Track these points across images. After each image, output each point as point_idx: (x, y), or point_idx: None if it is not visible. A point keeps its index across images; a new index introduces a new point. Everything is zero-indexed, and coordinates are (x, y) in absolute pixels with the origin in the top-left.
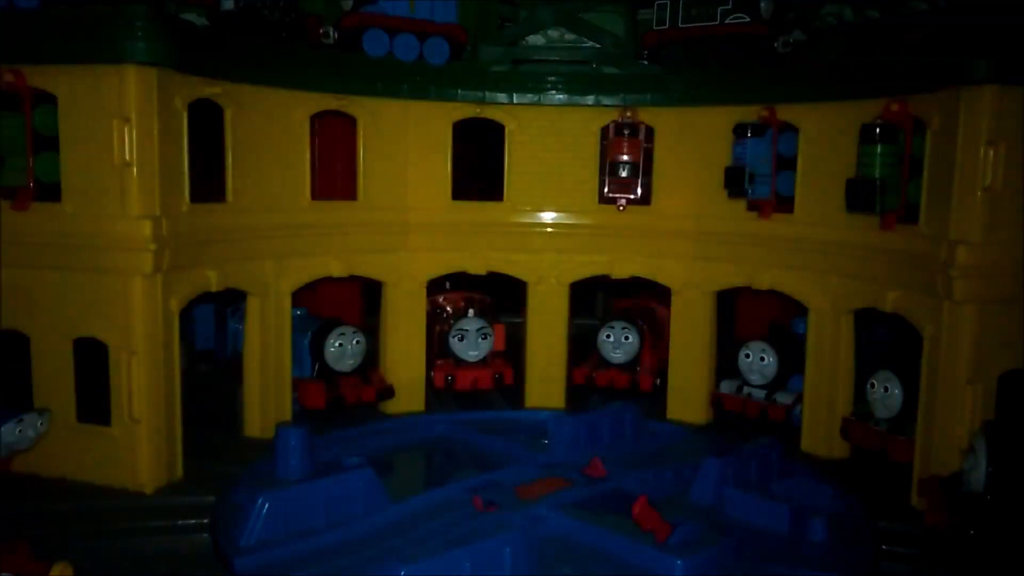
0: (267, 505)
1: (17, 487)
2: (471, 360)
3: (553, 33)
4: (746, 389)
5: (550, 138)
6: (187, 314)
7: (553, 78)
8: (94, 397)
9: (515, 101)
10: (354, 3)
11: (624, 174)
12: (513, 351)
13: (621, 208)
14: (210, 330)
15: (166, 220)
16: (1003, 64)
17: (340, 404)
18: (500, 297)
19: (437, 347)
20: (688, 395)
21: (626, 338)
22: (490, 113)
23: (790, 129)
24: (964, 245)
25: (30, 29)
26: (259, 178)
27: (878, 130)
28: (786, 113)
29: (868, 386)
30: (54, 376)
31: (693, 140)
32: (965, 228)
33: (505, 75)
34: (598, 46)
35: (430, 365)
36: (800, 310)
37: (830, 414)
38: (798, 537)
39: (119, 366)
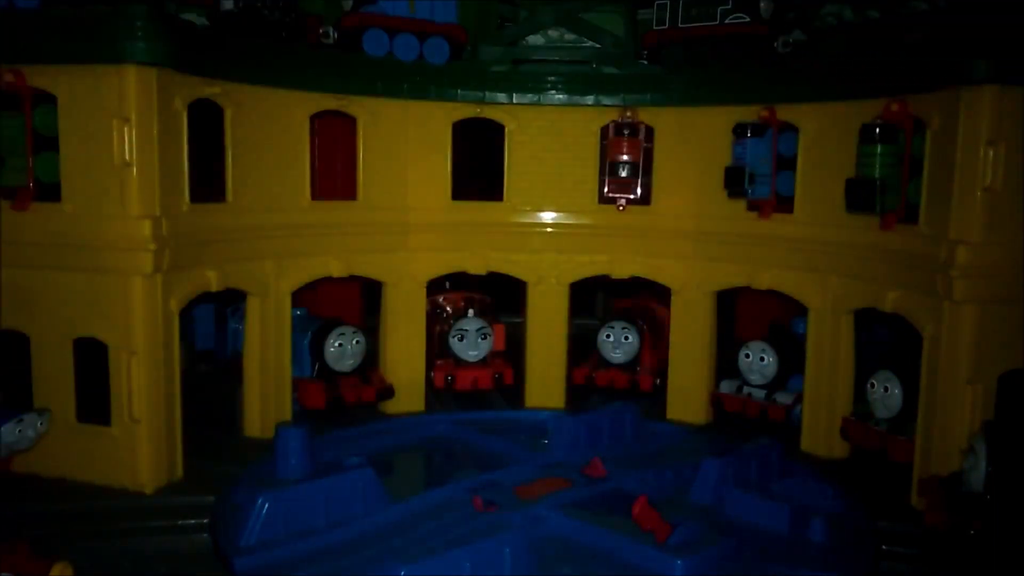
0: (267, 505)
1: (17, 487)
2: (471, 360)
3: (553, 33)
4: (746, 389)
5: (550, 138)
6: (187, 314)
7: (553, 78)
8: (94, 397)
9: (515, 101)
10: (354, 3)
11: (624, 174)
12: (513, 351)
13: (621, 208)
14: (210, 330)
15: (166, 220)
16: (1003, 64)
17: (340, 404)
18: (500, 297)
19: (437, 347)
20: (688, 395)
21: (626, 338)
22: (490, 113)
23: (790, 129)
24: (964, 245)
25: (30, 29)
26: (259, 178)
27: (878, 130)
28: (786, 113)
29: (868, 386)
30: (54, 376)
31: (693, 140)
32: (965, 228)
33: (505, 75)
34: (598, 46)
35: (430, 365)
36: (800, 310)
37: (830, 414)
38: (798, 537)
39: (119, 366)
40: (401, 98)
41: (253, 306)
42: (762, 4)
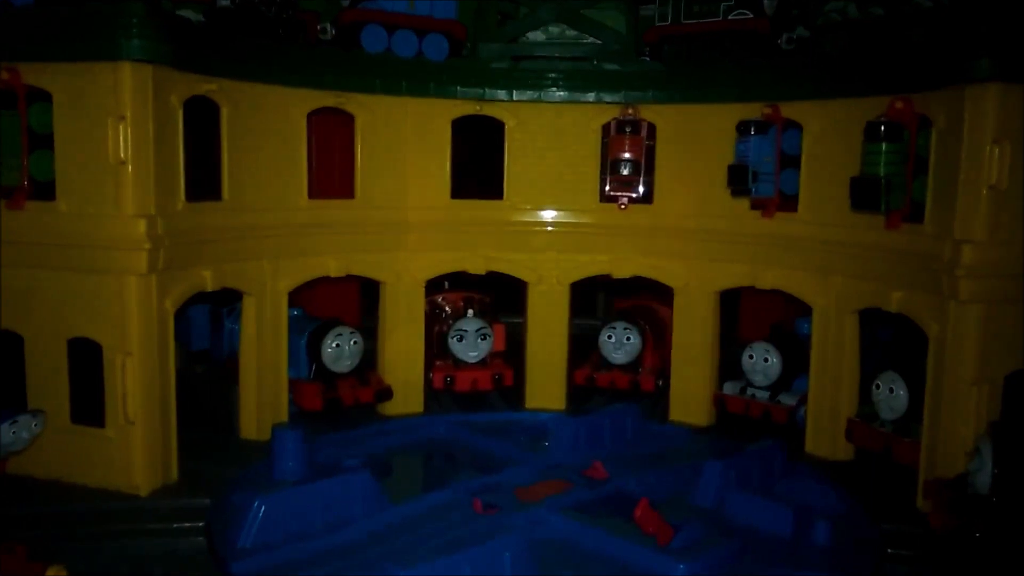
0: (263, 508)
1: (11, 489)
2: (470, 361)
3: (553, 29)
4: (749, 390)
5: (550, 136)
6: (182, 314)
7: (553, 75)
8: (88, 398)
9: (515, 98)
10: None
11: (626, 172)
12: (513, 352)
13: (622, 207)
14: (206, 330)
15: (161, 219)
16: (1008, 62)
17: (337, 405)
18: (500, 297)
19: (436, 348)
20: (691, 396)
21: (628, 339)
22: (490, 110)
23: (794, 127)
24: (969, 244)
25: (25, 26)
26: (255, 176)
27: (883, 128)
28: (790, 111)
29: (873, 387)
30: (48, 377)
31: (696, 138)
32: (970, 227)
33: (505, 72)
34: (599, 42)
35: (429, 366)
36: (804, 310)
37: (834, 415)
38: (802, 540)
39: (114, 367)
40: (400, 95)
41: (249, 306)
42: (765, 0)
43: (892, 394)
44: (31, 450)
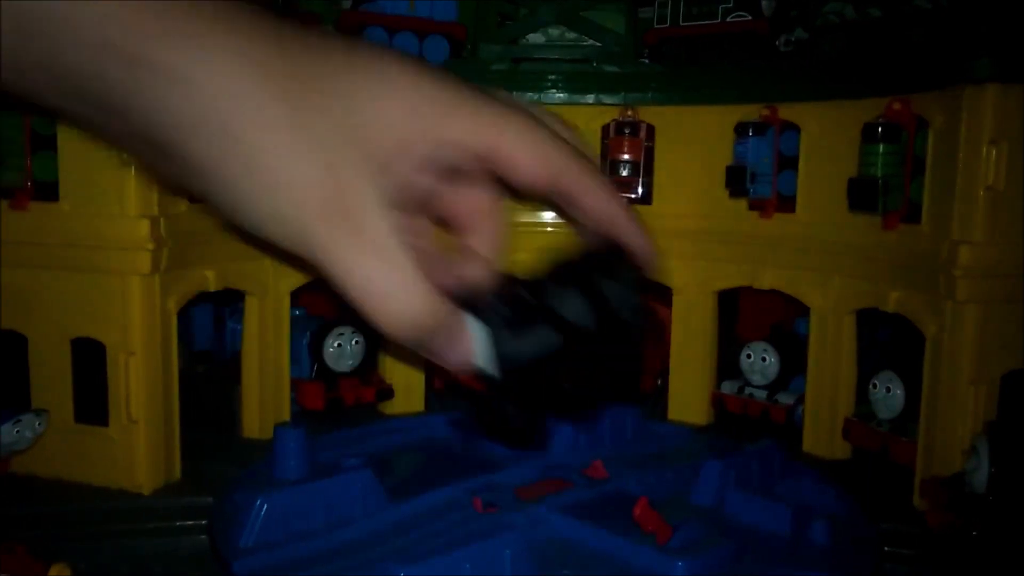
0: (265, 506)
1: (14, 488)
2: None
3: (553, 31)
4: (748, 390)
5: None
6: (185, 314)
7: (553, 76)
8: (92, 398)
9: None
10: (353, 1)
11: (625, 173)
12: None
13: None
14: (208, 330)
15: (164, 220)
16: (1006, 62)
17: (339, 405)
18: None
19: None
20: (689, 396)
21: None
22: None
23: (792, 128)
24: (967, 245)
25: None
26: None
27: (880, 129)
28: (788, 112)
29: (870, 387)
30: (52, 377)
31: (694, 139)
32: (968, 228)
33: (505, 73)
34: (599, 44)
35: (430, 366)
36: (802, 310)
37: (832, 415)
38: (800, 539)
39: (117, 366)
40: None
41: (251, 306)
42: (764, 2)
43: (889, 394)
44: (34, 449)
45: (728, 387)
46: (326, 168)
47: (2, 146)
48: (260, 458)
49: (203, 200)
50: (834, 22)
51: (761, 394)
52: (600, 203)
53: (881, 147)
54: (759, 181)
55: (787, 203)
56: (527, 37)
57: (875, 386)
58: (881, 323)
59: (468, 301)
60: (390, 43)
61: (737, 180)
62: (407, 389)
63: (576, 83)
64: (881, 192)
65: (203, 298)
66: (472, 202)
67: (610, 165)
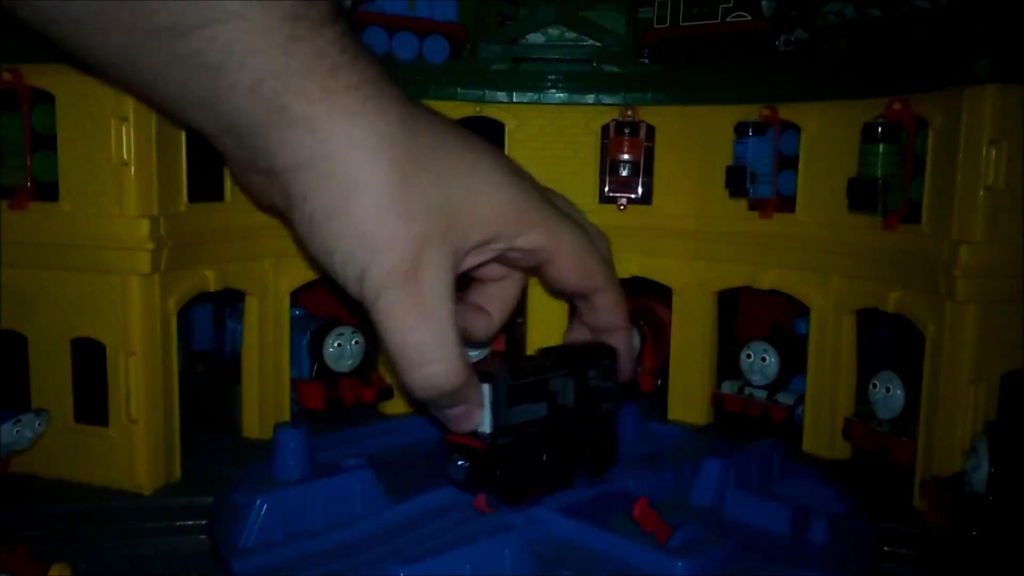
0: (265, 506)
1: (15, 488)
2: (471, 360)
3: (553, 31)
4: (747, 390)
5: (550, 137)
6: (185, 314)
7: (553, 77)
8: (92, 398)
9: (515, 100)
10: (353, 1)
11: (625, 173)
12: (513, 352)
13: (622, 208)
14: (208, 330)
15: (164, 220)
16: (1006, 62)
17: (339, 405)
18: None
19: None
20: (689, 396)
21: None
22: (490, 112)
23: (792, 128)
24: (966, 245)
25: (27, 27)
26: None
27: (880, 129)
28: (788, 112)
29: (870, 386)
30: (52, 377)
31: (694, 139)
32: (967, 228)
33: (505, 74)
34: (598, 44)
35: None
36: (802, 310)
37: (832, 415)
38: (800, 538)
39: (117, 366)
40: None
41: (251, 306)
42: (763, 2)
43: (889, 393)
44: (35, 449)
45: (728, 387)
46: (417, 239)
47: (2, 146)
48: (260, 458)
49: (281, 217)
50: (834, 22)
51: (761, 394)
52: (610, 312)
53: (881, 147)
54: (759, 181)
55: (787, 203)
56: (527, 37)
57: (875, 386)
58: (881, 323)
59: (484, 370)
60: (390, 43)
61: (737, 180)
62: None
63: (576, 83)
64: (881, 192)
65: (203, 298)
66: (498, 271)
67: (610, 165)
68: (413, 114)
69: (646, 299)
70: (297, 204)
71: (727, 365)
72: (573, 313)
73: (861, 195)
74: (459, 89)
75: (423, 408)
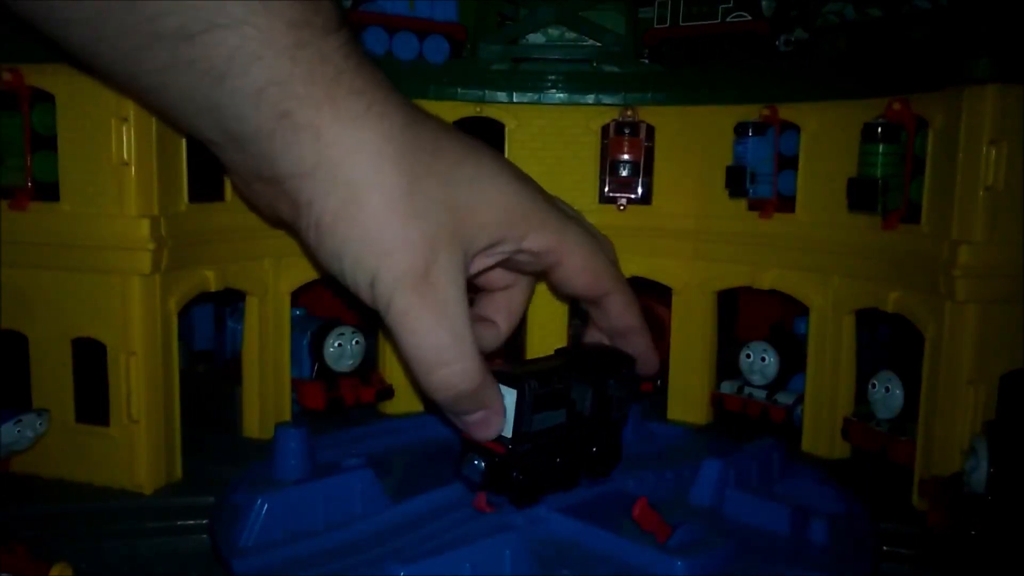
0: (266, 506)
1: (15, 488)
2: None
3: (553, 31)
4: (747, 389)
5: (550, 137)
6: (185, 314)
7: (553, 77)
8: (93, 397)
9: (515, 100)
10: (353, 1)
11: (625, 173)
12: (513, 351)
13: (621, 208)
14: (209, 330)
15: (164, 220)
16: (1006, 62)
17: (339, 405)
18: None
19: None
20: (689, 396)
21: None
22: (490, 112)
23: (792, 128)
24: (966, 245)
25: (28, 27)
26: None
27: (880, 129)
28: (788, 112)
29: (869, 386)
30: (52, 377)
31: (694, 139)
32: (967, 228)
33: (505, 74)
34: (598, 44)
35: None
36: (801, 310)
37: (831, 415)
38: (799, 538)
39: (118, 366)
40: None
41: (252, 306)
42: (763, 2)
43: (888, 393)
44: (35, 449)
45: (727, 387)
46: (426, 242)
47: (2, 146)
48: (260, 458)
49: (287, 228)
50: (834, 22)
51: (760, 394)
52: (622, 314)
53: (881, 147)
54: (759, 181)
55: (787, 203)
56: (527, 37)
57: (874, 386)
58: (881, 323)
59: (509, 376)
60: (390, 43)
61: (737, 180)
62: (407, 389)
63: (576, 83)
64: (881, 192)
65: (204, 298)
66: (504, 279)
67: (610, 165)
68: (416, 118)
69: (646, 299)
70: (303, 211)
71: (727, 365)
72: (572, 316)
73: (861, 195)
74: (459, 89)
75: (433, 408)
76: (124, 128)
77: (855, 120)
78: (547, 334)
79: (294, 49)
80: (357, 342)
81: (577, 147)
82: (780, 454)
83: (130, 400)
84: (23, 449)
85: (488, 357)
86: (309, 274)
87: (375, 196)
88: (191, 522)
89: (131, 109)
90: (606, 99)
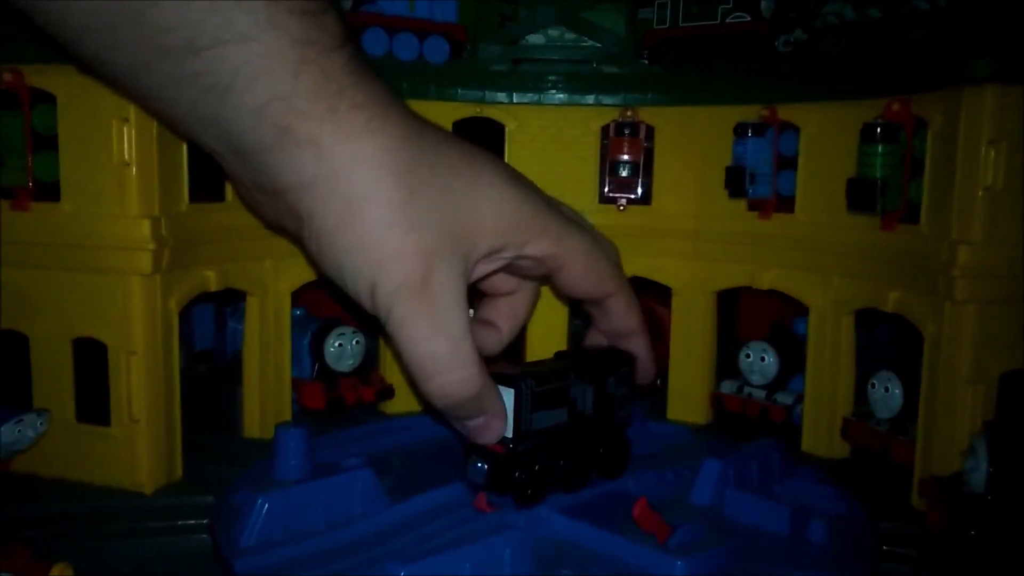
0: (266, 506)
1: (16, 487)
2: None
3: (553, 32)
4: (747, 389)
5: (550, 138)
6: (186, 314)
7: (553, 77)
8: (93, 397)
9: (515, 100)
10: (353, 2)
11: (625, 174)
12: (513, 351)
13: (621, 208)
14: (209, 330)
15: (165, 220)
16: (1006, 63)
17: (340, 404)
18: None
19: None
20: (689, 396)
21: None
22: (490, 112)
23: (791, 128)
24: (965, 245)
25: (29, 28)
26: None
27: (879, 129)
28: (787, 112)
29: (869, 386)
30: (53, 376)
31: (694, 140)
32: (966, 228)
33: (505, 74)
34: (598, 45)
35: None
36: (801, 310)
37: (831, 414)
38: (799, 538)
39: (118, 366)
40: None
41: (252, 306)
42: (763, 3)
43: (888, 393)
44: (36, 449)
45: (727, 387)
46: (425, 251)
47: (3, 146)
48: (261, 458)
49: (290, 237)
50: (833, 23)
51: (760, 394)
52: (623, 316)
53: (880, 147)
54: (758, 181)
55: (786, 203)
56: (527, 37)
57: (874, 386)
58: (880, 323)
59: (506, 376)
60: (390, 44)
61: (736, 180)
62: (407, 389)
63: (576, 84)
64: (880, 192)
65: (204, 298)
66: (508, 284)
67: (610, 166)
68: (417, 129)
69: (646, 299)
70: (305, 223)
71: (726, 365)
72: (571, 317)
73: (860, 195)
74: (459, 90)
75: (432, 409)
76: (125, 128)
77: (854, 120)
78: (547, 337)
79: (298, 66)
80: (357, 342)
81: (577, 147)
82: (780, 454)
83: (131, 400)
84: (24, 449)
85: (489, 361)
86: (309, 274)
87: (374, 208)
88: (191, 522)
89: (132, 110)
90: (606, 100)
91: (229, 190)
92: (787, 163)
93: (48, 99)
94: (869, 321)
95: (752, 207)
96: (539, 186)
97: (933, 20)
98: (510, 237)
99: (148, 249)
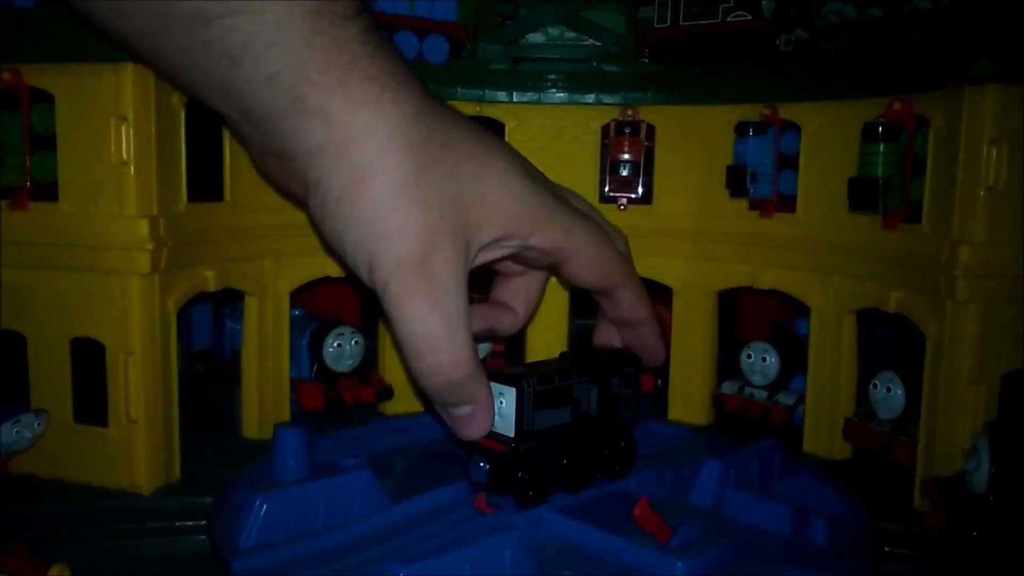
0: (265, 506)
1: (14, 488)
2: None
3: (553, 31)
4: (748, 390)
5: (550, 137)
6: (185, 314)
7: (553, 76)
8: (91, 398)
9: (515, 99)
10: None
11: (625, 173)
12: (513, 351)
13: (622, 207)
14: (208, 330)
15: (163, 220)
16: (1006, 62)
17: (339, 405)
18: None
19: None
20: (689, 396)
21: None
22: (490, 111)
23: (792, 128)
24: (967, 245)
25: (27, 27)
26: (257, 177)
27: (881, 129)
28: (788, 112)
29: (870, 386)
30: (51, 377)
31: (694, 139)
32: (968, 228)
33: (505, 73)
34: (599, 44)
35: None
36: (802, 310)
37: (832, 415)
38: (800, 538)
39: (116, 366)
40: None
41: (251, 306)
42: (764, 2)
43: (890, 393)
44: (34, 449)
45: (728, 387)
46: (428, 229)
47: (1, 146)
48: (260, 458)
49: (297, 202)
50: (834, 22)
51: (761, 394)
52: (632, 306)
53: (881, 147)
54: (759, 181)
55: (787, 203)
56: (527, 37)
57: (875, 386)
58: (881, 323)
59: (508, 375)
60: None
61: (737, 180)
62: (407, 389)
63: (576, 83)
64: (881, 192)
65: (202, 298)
66: (518, 267)
67: (610, 165)
68: (430, 108)
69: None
70: (312, 189)
71: (727, 365)
72: (572, 310)
73: (862, 195)
74: (459, 89)
75: (432, 409)
76: (123, 128)
77: (856, 120)
78: (547, 337)
79: (310, 36)
80: (356, 342)
81: (577, 147)
82: (780, 454)
83: (129, 400)
84: (22, 449)
85: (492, 364)
86: (308, 274)
87: (380, 179)
88: (190, 522)
89: (130, 109)
90: (606, 99)
91: (228, 190)
92: (788, 162)
93: (47, 98)
94: (871, 321)
95: (753, 206)
96: None
97: (935, 19)
98: (516, 227)
99: (146, 249)
